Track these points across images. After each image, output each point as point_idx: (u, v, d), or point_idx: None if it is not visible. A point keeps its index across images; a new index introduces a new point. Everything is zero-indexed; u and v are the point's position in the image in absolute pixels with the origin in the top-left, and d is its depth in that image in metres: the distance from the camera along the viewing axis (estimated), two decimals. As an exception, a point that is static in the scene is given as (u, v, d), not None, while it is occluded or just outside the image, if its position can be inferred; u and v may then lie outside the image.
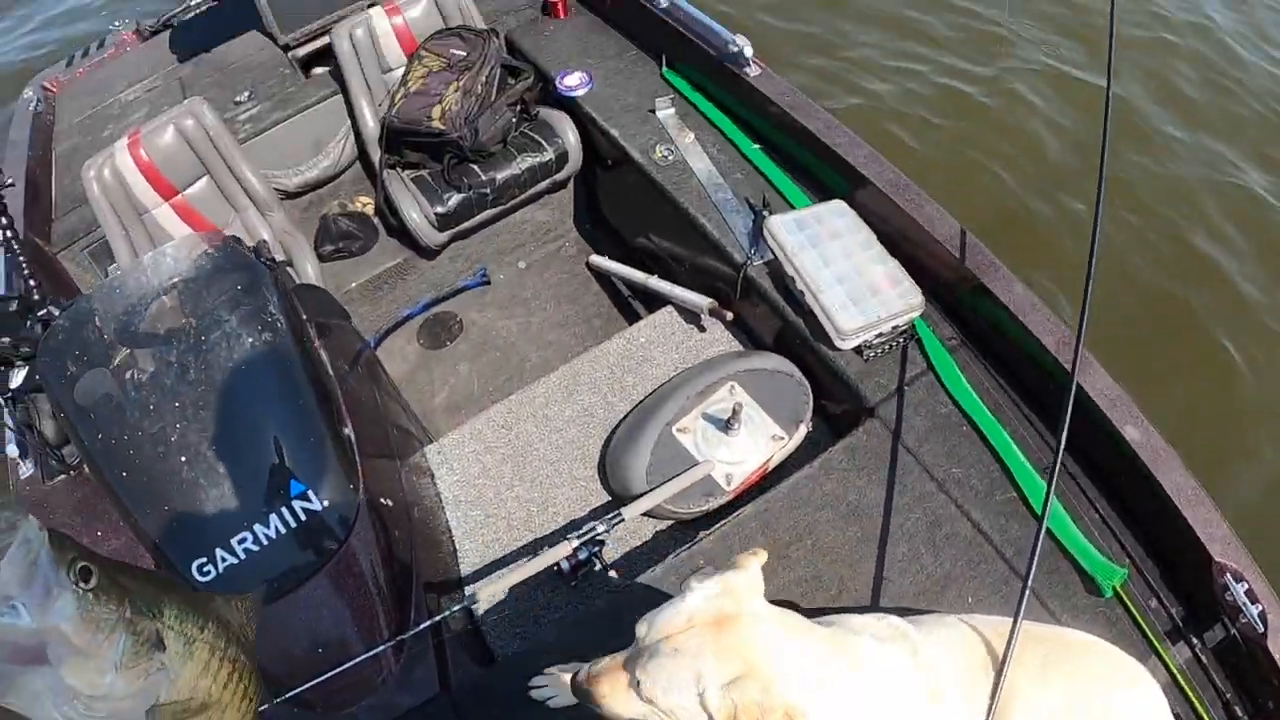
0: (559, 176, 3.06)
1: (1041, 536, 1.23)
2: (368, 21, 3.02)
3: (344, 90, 3.10)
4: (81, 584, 0.79)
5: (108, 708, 0.83)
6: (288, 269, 2.72)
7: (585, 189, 3.28)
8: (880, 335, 2.03)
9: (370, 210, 3.24)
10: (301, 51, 3.35)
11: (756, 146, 2.58)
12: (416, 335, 3.14)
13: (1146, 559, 1.68)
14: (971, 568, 1.71)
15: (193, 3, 3.88)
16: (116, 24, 4.28)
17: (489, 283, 3.24)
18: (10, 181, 2.47)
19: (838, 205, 2.26)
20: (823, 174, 2.43)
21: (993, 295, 1.94)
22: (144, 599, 0.88)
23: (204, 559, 1.52)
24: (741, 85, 2.59)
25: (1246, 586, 1.45)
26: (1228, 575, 1.48)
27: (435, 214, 2.89)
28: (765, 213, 2.30)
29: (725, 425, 2.07)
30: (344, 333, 2.27)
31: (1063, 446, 1.36)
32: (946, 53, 4.57)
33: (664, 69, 2.93)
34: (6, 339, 1.82)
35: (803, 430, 2.15)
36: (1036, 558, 1.22)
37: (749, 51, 2.55)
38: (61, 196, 3.08)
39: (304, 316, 1.89)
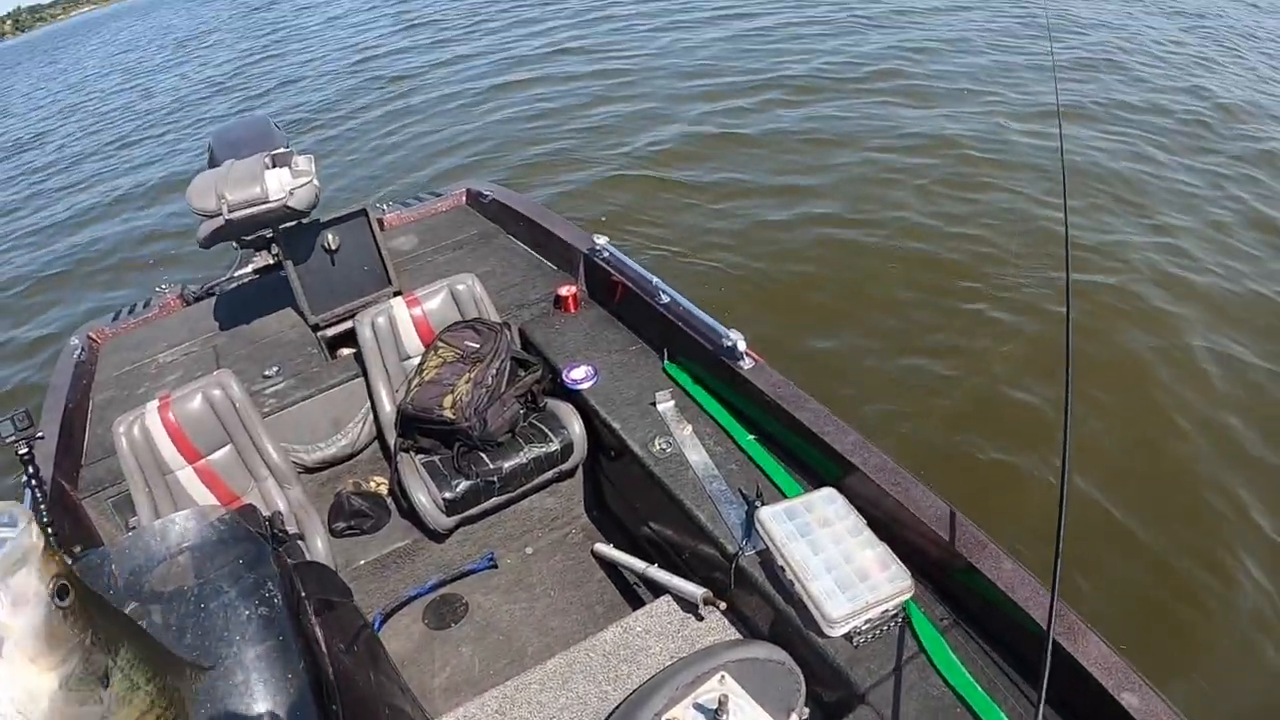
0: (564, 466, 3.15)
1: None
2: (389, 310, 3.27)
3: (365, 374, 3.29)
4: (57, 599, 0.81)
5: None
6: (299, 542, 2.78)
7: (591, 477, 3.36)
8: (869, 620, 2.00)
9: (384, 491, 3.33)
10: (330, 332, 3.61)
11: (751, 437, 2.69)
12: (422, 615, 3.11)
13: None
14: None
15: (235, 274, 4.25)
16: (163, 286, 4.58)
17: (496, 566, 3.25)
18: (41, 435, 2.61)
19: (827, 493, 2.31)
20: (814, 461, 2.50)
21: (983, 574, 1.93)
22: (106, 634, 0.90)
23: None
24: (736, 378, 2.74)
25: None
26: None
27: (444, 499, 2.96)
28: (758, 503, 2.36)
29: (714, 716, 1.99)
30: (344, 611, 2.27)
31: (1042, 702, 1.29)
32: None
33: (665, 362, 3.11)
34: None
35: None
36: None
37: (742, 345, 2.73)
38: (93, 445, 3.23)
39: (303, 594, 1.91)
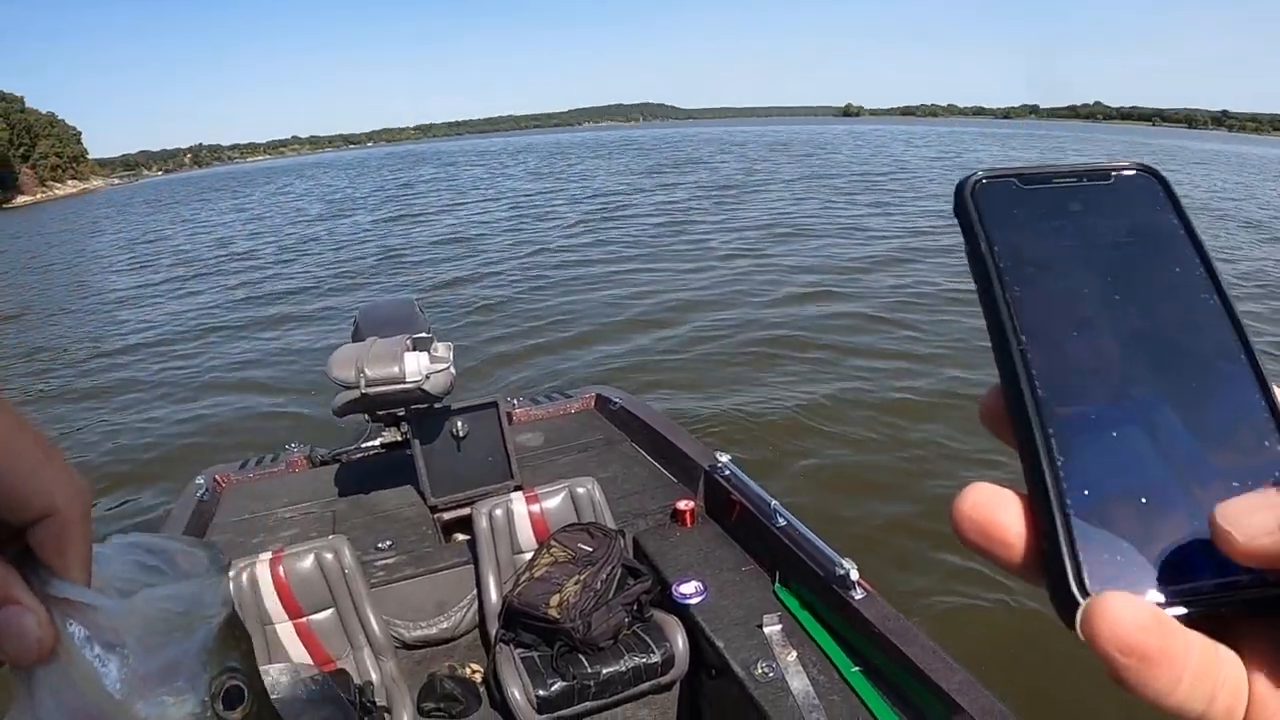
0: (664, 679, 3.05)
1: None
2: (508, 504, 3.36)
3: (475, 561, 3.34)
4: (219, 707, 0.46)
5: None
6: (385, 715, 2.76)
7: (690, 693, 3.24)
8: None
9: (478, 679, 3.29)
10: (447, 515, 3.71)
11: (856, 669, 2.57)
12: None
13: None
14: None
15: (362, 445, 4.45)
16: (293, 445, 4.76)
17: None
18: None
19: (932, 736, 2.17)
20: (920, 697, 2.36)
21: None
22: None
23: None
24: (847, 606, 2.66)
25: None
26: None
27: (538, 696, 2.91)
28: (856, 741, 2.24)
29: None
30: None
31: None
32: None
33: (776, 585, 3.06)
34: None
35: None
36: None
37: (854, 575, 2.67)
38: None
39: None
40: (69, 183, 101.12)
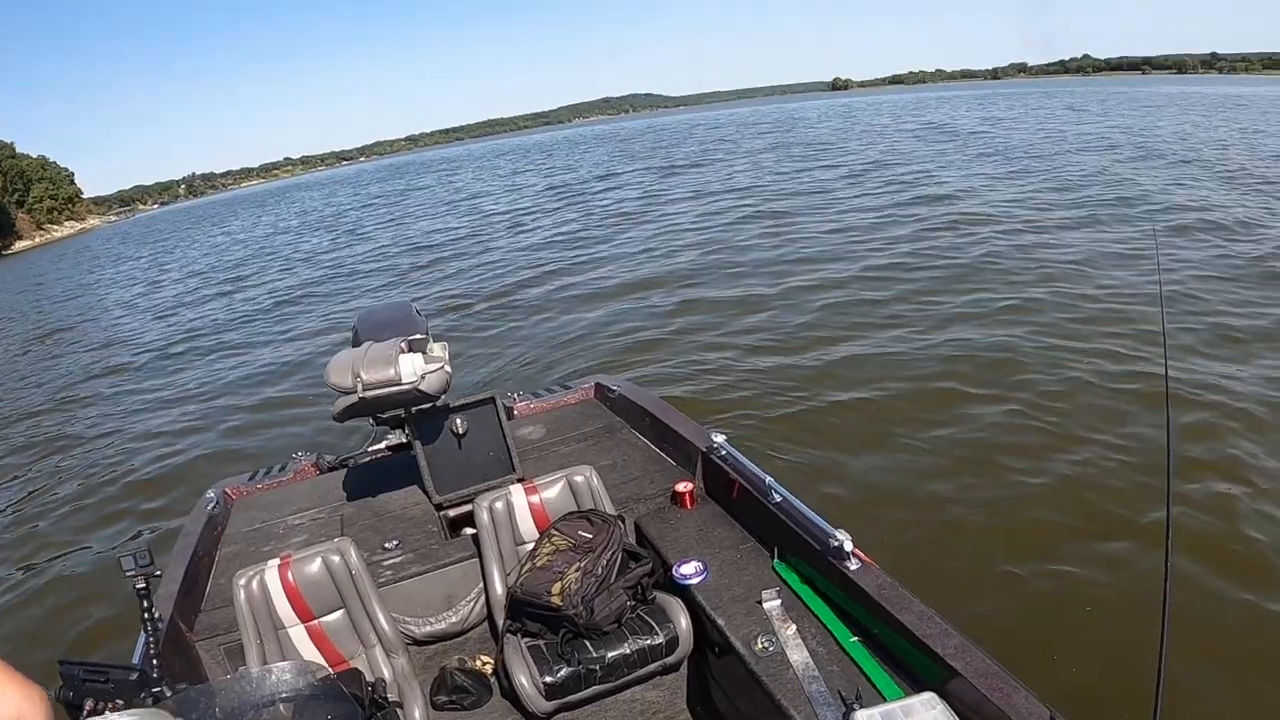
0: (669, 660, 3.10)
1: None
2: (507, 496, 3.41)
3: (480, 556, 3.39)
4: None
5: None
6: (398, 710, 2.81)
7: (696, 673, 3.28)
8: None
9: (489, 670, 3.34)
10: (452, 512, 3.77)
11: (855, 639, 2.60)
12: None
13: None
14: None
15: (368, 449, 4.50)
16: (300, 454, 4.83)
17: None
18: (158, 573, 2.77)
19: (928, 697, 2.19)
20: (917, 664, 2.39)
21: None
22: None
23: None
24: (844, 578, 2.70)
25: None
26: None
27: (544, 683, 2.95)
28: (855, 706, 2.25)
29: None
30: None
31: None
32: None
33: (775, 560, 3.10)
34: (121, 700, 2.02)
35: None
36: None
37: (849, 546, 2.71)
38: (214, 593, 3.39)
39: None
40: (66, 224, 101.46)
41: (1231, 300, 8.87)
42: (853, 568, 2.69)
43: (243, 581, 2.95)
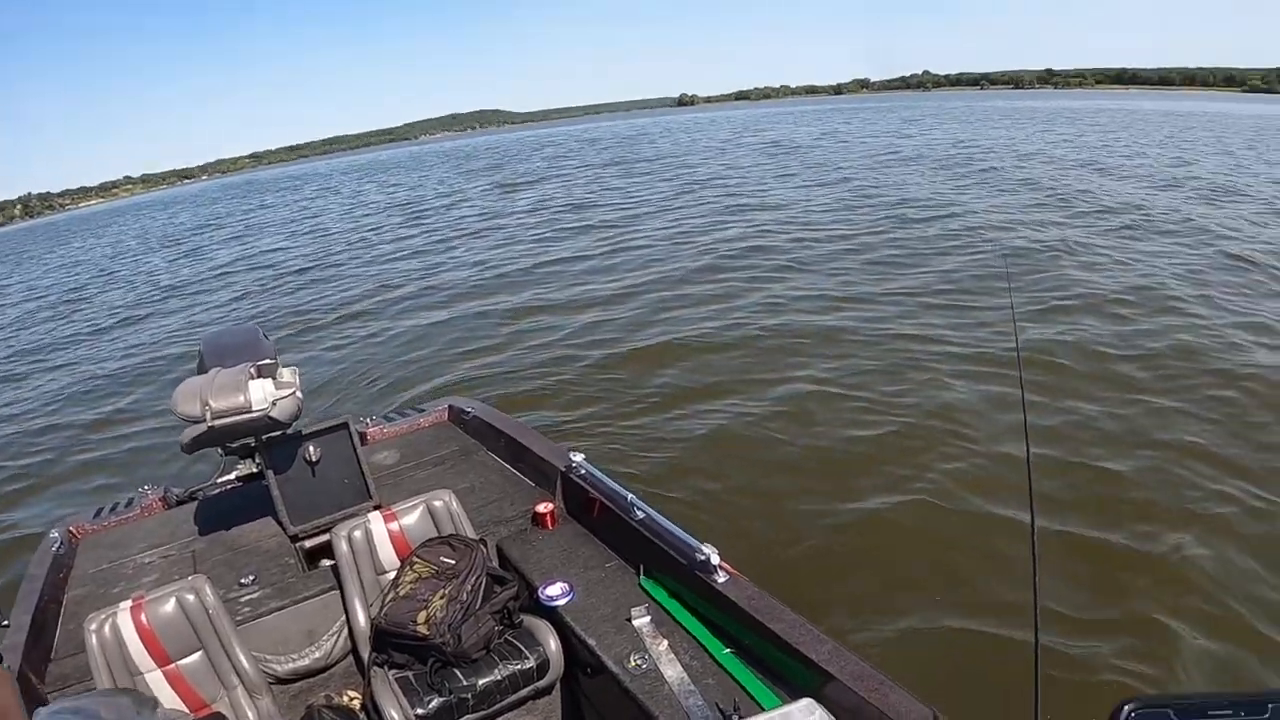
0: (540, 684, 3.06)
1: None
2: (366, 525, 3.30)
3: (340, 587, 3.26)
4: None
5: None
6: None
7: (569, 695, 3.26)
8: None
9: (356, 705, 3.20)
10: (309, 543, 3.61)
11: (728, 651, 2.63)
12: None
13: None
14: None
15: (218, 481, 4.26)
16: (147, 487, 4.56)
17: None
18: (6, 623, 2.55)
19: (806, 703, 2.22)
20: (791, 672, 2.46)
21: None
22: None
23: None
24: (712, 591, 2.73)
25: None
26: None
27: (416, 715, 2.85)
28: (735, 717, 2.31)
29: None
30: None
31: None
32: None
33: (641, 577, 3.11)
34: None
35: None
36: None
37: (715, 559, 2.75)
38: (64, 640, 3.14)
39: None
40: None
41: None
42: (720, 580, 2.72)
43: (94, 626, 2.76)
